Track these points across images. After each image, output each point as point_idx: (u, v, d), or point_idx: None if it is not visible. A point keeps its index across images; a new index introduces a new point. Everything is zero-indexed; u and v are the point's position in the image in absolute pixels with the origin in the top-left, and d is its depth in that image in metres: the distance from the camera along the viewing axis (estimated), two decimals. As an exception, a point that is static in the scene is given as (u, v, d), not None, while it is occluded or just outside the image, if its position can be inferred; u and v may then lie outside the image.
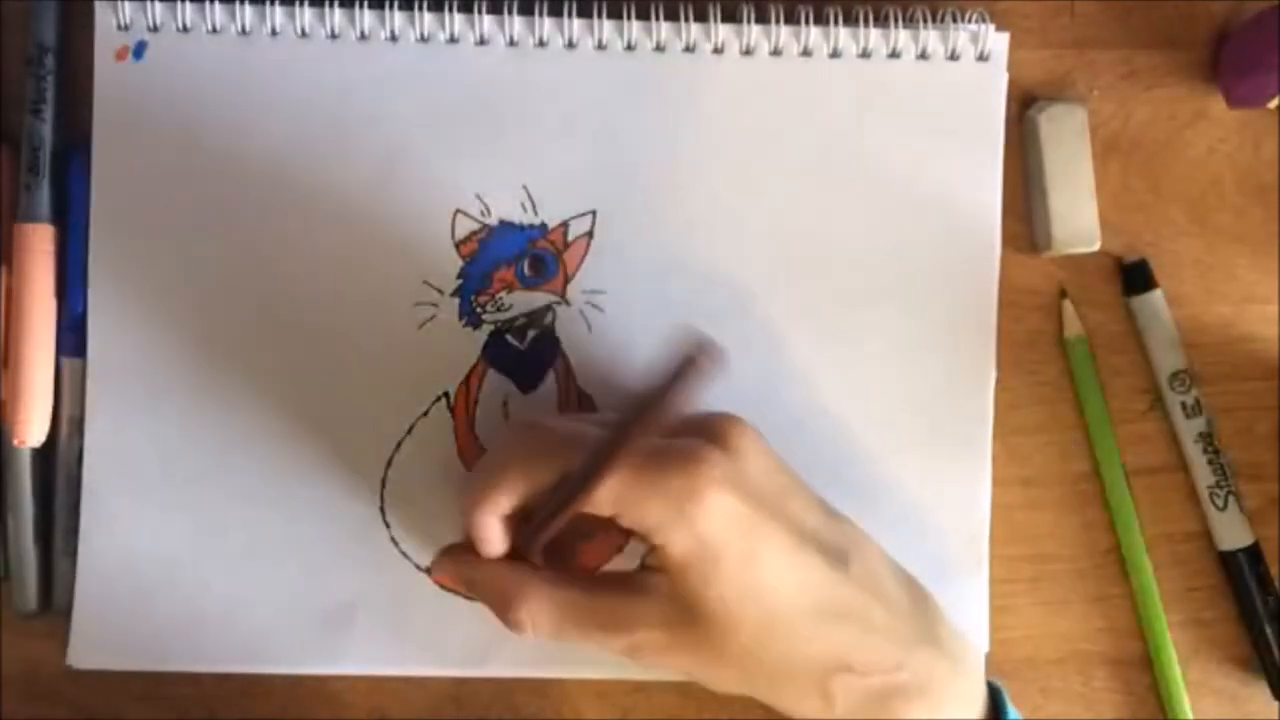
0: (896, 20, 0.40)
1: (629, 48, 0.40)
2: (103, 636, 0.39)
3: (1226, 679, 0.42)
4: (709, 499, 0.31)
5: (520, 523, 0.34)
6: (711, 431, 0.33)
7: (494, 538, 0.34)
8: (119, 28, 0.39)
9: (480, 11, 0.39)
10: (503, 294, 0.40)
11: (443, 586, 0.39)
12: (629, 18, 0.39)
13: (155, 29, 0.39)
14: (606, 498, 0.32)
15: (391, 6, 0.39)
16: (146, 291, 0.39)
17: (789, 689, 0.33)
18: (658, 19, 0.40)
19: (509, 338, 0.40)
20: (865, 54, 0.40)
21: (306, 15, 0.39)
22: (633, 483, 0.32)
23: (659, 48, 0.40)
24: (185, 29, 0.39)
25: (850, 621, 0.33)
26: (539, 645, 0.39)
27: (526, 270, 0.40)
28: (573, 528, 0.34)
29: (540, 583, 0.34)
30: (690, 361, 0.30)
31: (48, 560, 0.39)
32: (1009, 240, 0.40)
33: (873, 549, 0.35)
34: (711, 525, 0.32)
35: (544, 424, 0.34)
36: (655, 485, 0.32)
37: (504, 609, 0.34)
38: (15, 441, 0.38)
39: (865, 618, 0.33)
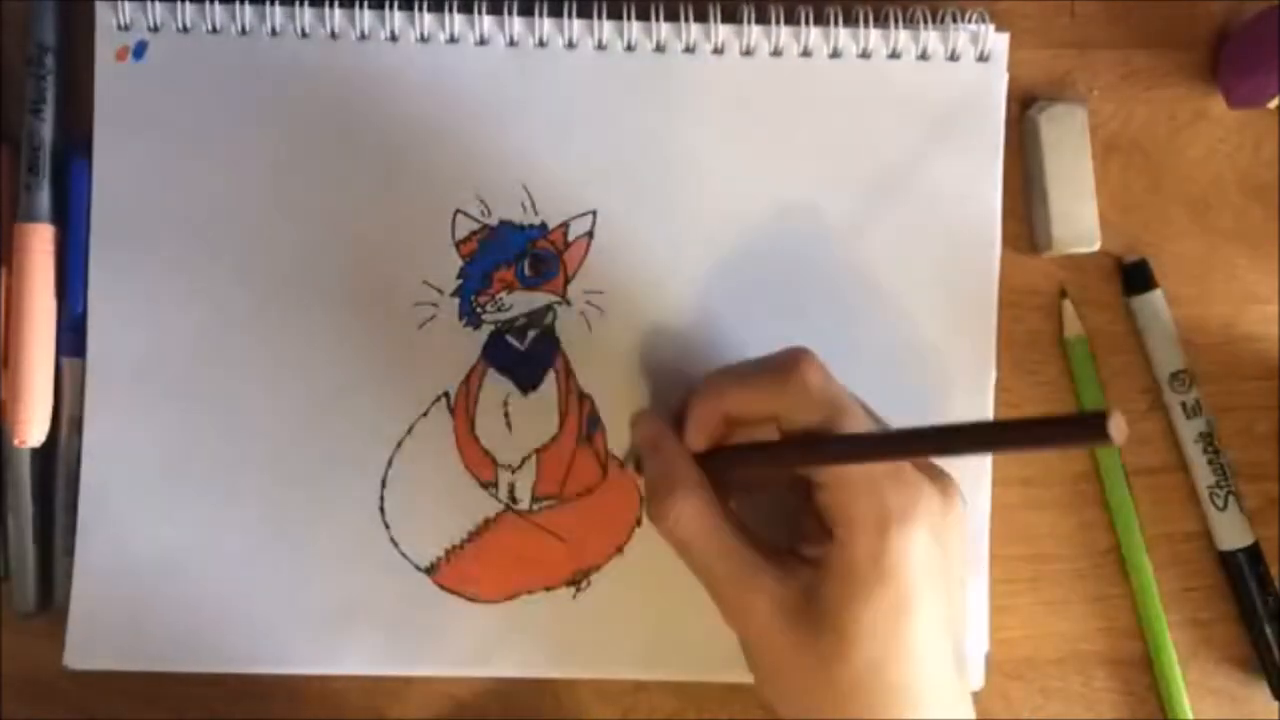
0: (896, 21, 0.40)
1: (629, 48, 0.40)
2: (100, 637, 0.39)
3: (1226, 679, 0.42)
4: (914, 529, 0.31)
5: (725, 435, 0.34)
6: (940, 481, 0.33)
7: (703, 426, 0.34)
8: (119, 28, 0.39)
9: (480, 12, 0.39)
10: (503, 294, 0.40)
11: (443, 588, 0.39)
12: (629, 18, 0.39)
13: (155, 29, 0.39)
14: (835, 474, 0.32)
15: (391, 6, 0.39)
16: (146, 291, 0.39)
17: None
18: (658, 19, 0.40)
19: (509, 338, 0.40)
20: (865, 54, 0.40)
21: (306, 15, 0.39)
22: (861, 470, 0.32)
23: (659, 48, 0.40)
24: (185, 29, 0.39)
25: (940, 715, 0.33)
26: (538, 645, 0.39)
27: (526, 270, 0.40)
28: (739, 480, 0.34)
29: (708, 496, 0.34)
30: (1095, 422, 0.24)
31: (47, 560, 0.39)
32: (1009, 240, 0.40)
33: (968, 679, 0.35)
34: (900, 552, 0.31)
35: (820, 369, 0.33)
36: (877, 486, 0.31)
37: (664, 492, 0.34)
38: (15, 441, 0.38)
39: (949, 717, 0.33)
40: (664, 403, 0.39)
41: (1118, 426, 0.23)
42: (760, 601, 0.33)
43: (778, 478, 0.35)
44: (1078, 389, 0.41)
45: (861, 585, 0.31)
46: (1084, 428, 0.24)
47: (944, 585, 0.32)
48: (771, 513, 0.36)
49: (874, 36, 0.40)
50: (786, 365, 0.33)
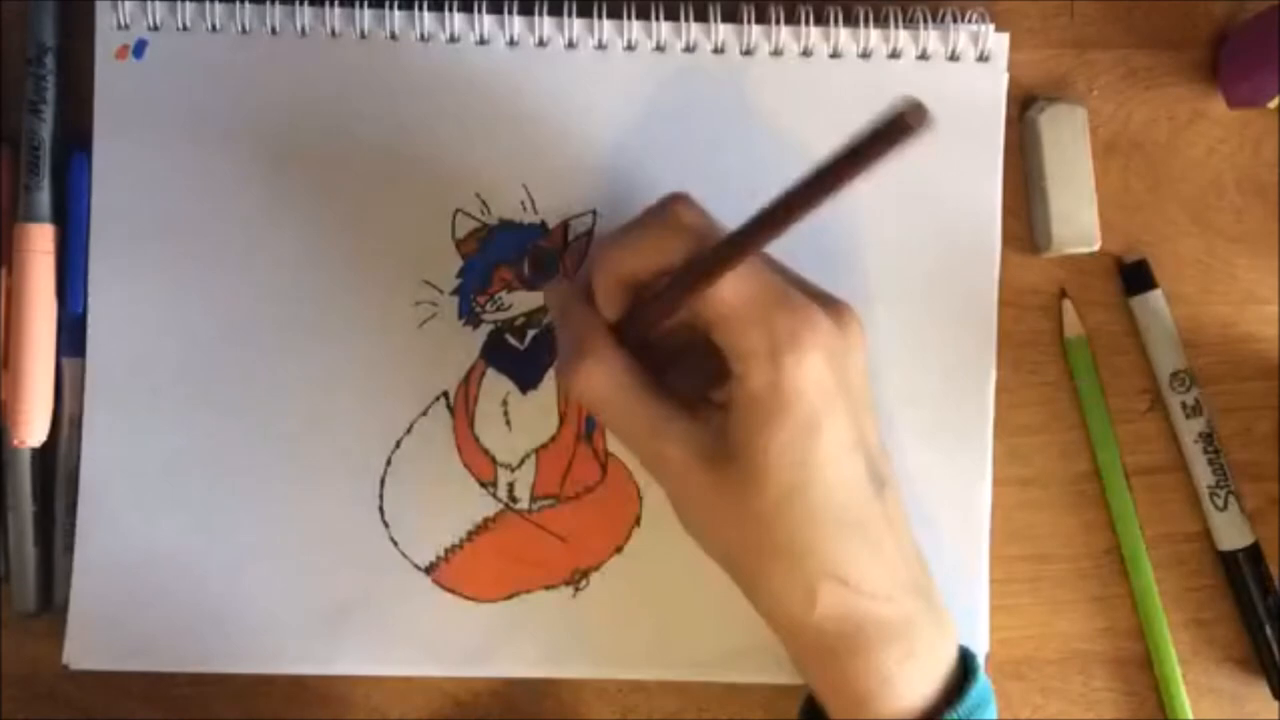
0: (897, 21, 0.40)
1: (629, 48, 0.40)
2: (100, 636, 0.39)
3: (1226, 679, 0.42)
4: (808, 353, 0.31)
5: (632, 301, 0.34)
6: (832, 305, 0.33)
7: (608, 296, 0.34)
8: (119, 27, 0.39)
9: (480, 11, 0.39)
10: (502, 293, 0.40)
11: (443, 588, 0.39)
12: (629, 18, 0.39)
13: (155, 28, 0.39)
14: (719, 299, 0.32)
15: (391, 6, 0.39)
16: (146, 291, 0.39)
17: (778, 572, 0.33)
18: (658, 19, 0.40)
19: (509, 337, 0.40)
20: (865, 54, 0.40)
21: (306, 15, 0.39)
22: (746, 300, 0.32)
23: (659, 48, 0.40)
24: (185, 28, 0.39)
25: (864, 539, 0.33)
26: (538, 645, 0.39)
27: (527, 270, 0.40)
28: (665, 345, 0.34)
29: (616, 355, 0.34)
30: (898, 122, 0.27)
31: (48, 560, 0.39)
32: (1009, 240, 0.40)
33: (902, 498, 0.35)
34: (797, 376, 0.31)
35: (691, 204, 0.34)
36: (765, 316, 0.32)
37: (573, 356, 0.34)
38: (15, 441, 0.38)
39: (877, 543, 0.33)
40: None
41: (915, 116, 0.26)
42: (674, 449, 0.33)
43: (688, 333, 0.35)
44: (1078, 389, 0.41)
45: (764, 415, 0.32)
46: (894, 130, 0.27)
47: (847, 407, 0.32)
48: (696, 369, 0.36)
49: (874, 36, 0.40)
50: (659, 210, 0.34)
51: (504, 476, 0.40)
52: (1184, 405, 0.41)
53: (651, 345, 0.35)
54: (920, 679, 0.33)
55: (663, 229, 0.33)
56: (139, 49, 0.39)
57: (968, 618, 0.40)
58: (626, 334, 0.34)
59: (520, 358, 0.40)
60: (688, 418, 0.33)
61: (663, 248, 0.33)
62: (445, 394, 0.39)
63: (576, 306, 0.35)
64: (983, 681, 0.35)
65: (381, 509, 0.39)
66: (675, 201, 0.33)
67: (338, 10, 0.39)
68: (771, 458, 0.32)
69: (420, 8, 0.39)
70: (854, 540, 0.33)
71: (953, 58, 0.40)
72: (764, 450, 0.32)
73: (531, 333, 0.40)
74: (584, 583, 0.40)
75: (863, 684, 0.33)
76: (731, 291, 0.32)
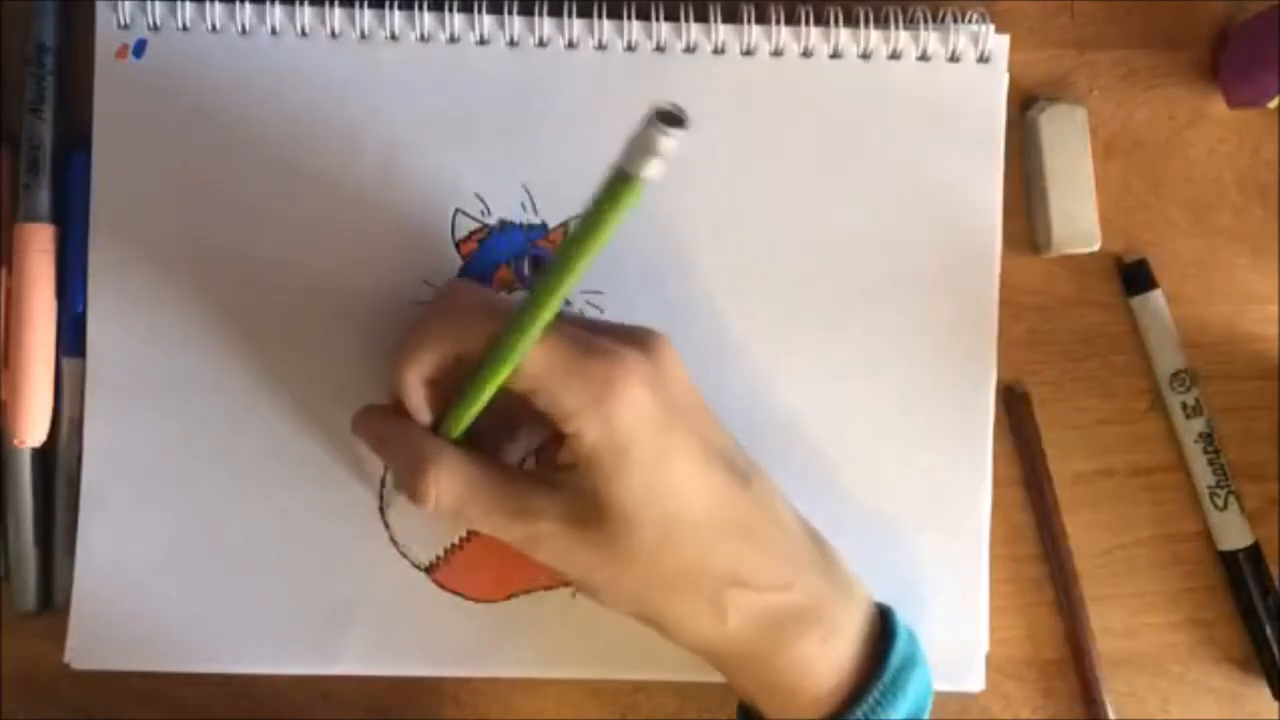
0: (897, 21, 0.40)
1: (629, 48, 0.40)
2: (101, 636, 0.39)
3: (1226, 679, 0.42)
4: (626, 392, 0.32)
5: (443, 397, 0.34)
6: (636, 338, 0.34)
7: (417, 401, 0.34)
8: (119, 26, 0.39)
9: (481, 11, 0.39)
10: (502, 294, 0.40)
11: (443, 588, 0.39)
12: (629, 18, 0.39)
13: (155, 28, 0.39)
14: (528, 371, 0.32)
15: (392, 6, 0.39)
16: (146, 291, 0.39)
17: (682, 599, 0.33)
18: (658, 20, 0.40)
19: (509, 338, 0.40)
20: (866, 55, 0.40)
21: (306, 15, 0.39)
22: (554, 363, 0.32)
23: (659, 48, 0.40)
24: (185, 28, 0.39)
25: (747, 537, 0.33)
26: (538, 645, 0.39)
27: (526, 270, 0.40)
28: (496, 419, 0.34)
29: (455, 455, 0.34)
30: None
31: (48, 560, 0.39)
32: (1009, 240, 0.40)
33: (770, 480, 0.35)
34: (625, 418, 0.32)
35: (470, 285, 0.34)
36: (575, 370, 0.32)
37: (413, 474, 0.34)
38: (15, 441, 0.39)
39: (761, 536, 0.34)
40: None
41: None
42: (543, 525, 0.33)
43: (506, 405, 0.35)
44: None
45: (610, 466, 0.32)
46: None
47: (684, 424, 0.33)
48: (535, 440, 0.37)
49: (874, 37, 0.40)
50: (437, 302, 0.34)
51: (504, 477, 0.39)
52: (1184, 405, 0.41)
53: (476, 426, 0.35)
54: (844, 653, 0.34)
55: (447, 316, 0.33)
56: (139, 49, 0.39)
57: (968, 618, 0.40)
58: (445, 426, 0.34)
59: (520, 358, 0.40)
60: (544, 490, 0.34)
61: (454, 335, 0.33)
62: (445, 394, 0.39)
63: (391, 426, 0.35)
64: (904, 637, 0.35)
65: (382, 510, 0.39)
66: (452, 287, 0.34)
67: (338, 10, 0.39)
68: (633, 502, 0.32)
69: (420, 8, 0.39)
70: (738, 543, 0.33)
71: (953, 58, 0.40)
72: (623, 499, 0.32)
73: (532, 333, 0.40)
74: (584, 583, 0.40)
75: (791, 675, 0.34)
76: (536, 359, 0.32)
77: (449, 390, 0.34)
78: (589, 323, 0.35)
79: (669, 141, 0.25)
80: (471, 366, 0.33)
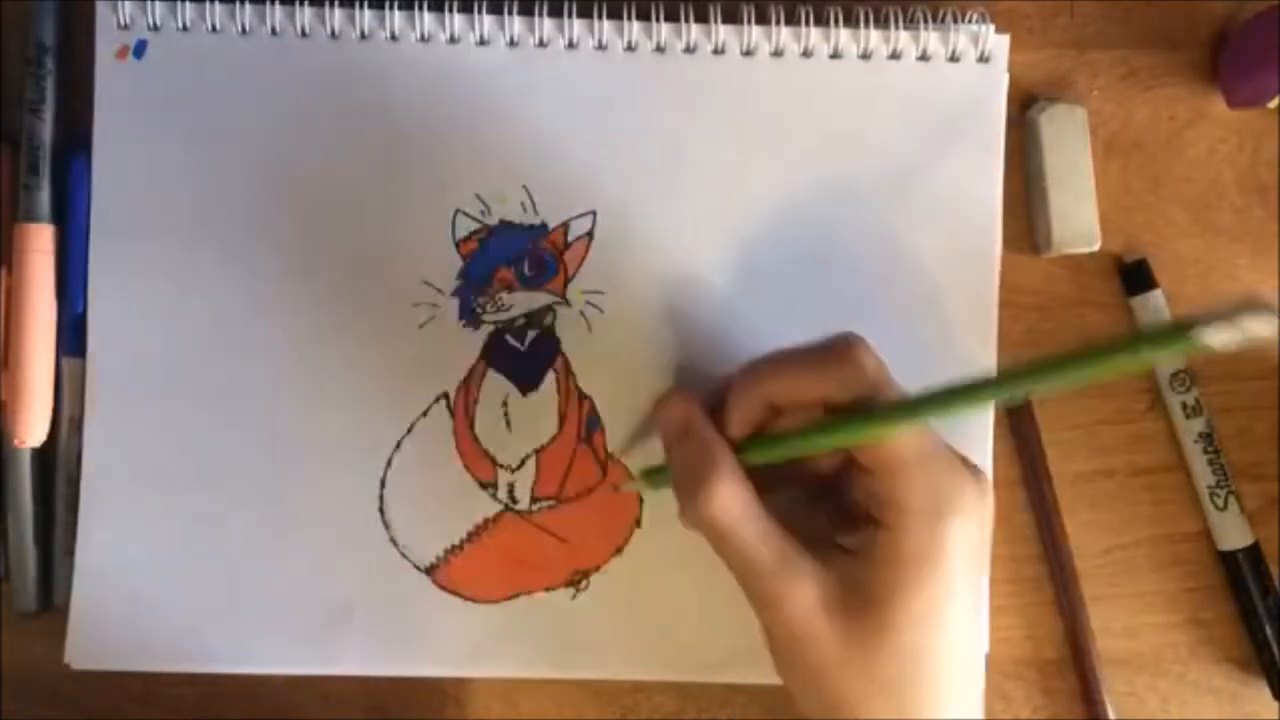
0: (897, 21, 0.40)
1: (629, 48, 0.40)
2: (101, 636, 0.39)
3: (1226, 679, 0.42)
4: (966, 518, 0.31)
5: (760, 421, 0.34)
6: (978, 473, 0.33)
7: (744, 416, 0.33)
8: (119, 27, 0.39)
9: (481, 12, 0.39)
10: (503, 294, 0.40)
11: (443, 588, 0.39)
12: (629, 18, 0.39)
13: (156, 28, 0.39)
14: (893, 449, 0.31)
15: (392, 6, 0.39)
16: (146, 291, 0.39)
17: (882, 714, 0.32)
18: (658, 19, 0.40)
19: (509, 338, 0.40)
20: (866, 55, 0.40)
21: (307, 15, 0.39)
22: (919, 457, 0.31)
23: (659, 49, 0.40)
24: (186, 28, 0.39)
25: (963, 701, 0.33)
26: (538, 645, 0.39)
27: (526, 270, 0.40)
28: (788, 464, 0.33)
29: (743, 479, 0.33)
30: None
31: (48, 560, 0.39)
32: (1009, 240, 0.40)
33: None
34: (952, 541, 0.31)
35: (870, 348, 0.33)
36: (931, 474, 0.31)
37: (701, 476, 0.33)
38: (15, 441, 0.39)
39: (975, 699, 0.33)
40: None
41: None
42: (801, 590, 0.32)
43: (812, 468, 0.34)
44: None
45: (912, 573, 0.31)
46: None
47: (979, 570, 0.33)
48: (803, 508, 0.35)
49: (874, 37, 0.40)
50: (840, 347, 0.33)
51: (504, 478, 0.40)
52: (1184, 405, 0.41)
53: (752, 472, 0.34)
54: None
55: (842, 367, 0.32)
56: (139, 49, 0.39)
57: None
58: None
59: (521, 359, 0.40)
60: (813, 559, 0.32)
61: (836, 386, 0.32)
62: (445, 395, 0.39)
63: (701, 421, 0.34)
64: None
65: (382, 510, 0.39)
66: (859, 343, 0.33)
67: (338, 10, 0.39)
68: (912, 618, 0.31)
69: (420, 8, 0.39)
70: (957, 703, 0.32)
71: (953, 58, 0.40)
72: (905, 609, 0.31)
73: (532, 334, 0.40)
74: (584, 584, 0.40)
75: None
76: (910, 441, 0.31)
77: (771, 419, 0.34)
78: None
79: (1258, 328, 0.23)
80: (830, 413, 0.32)
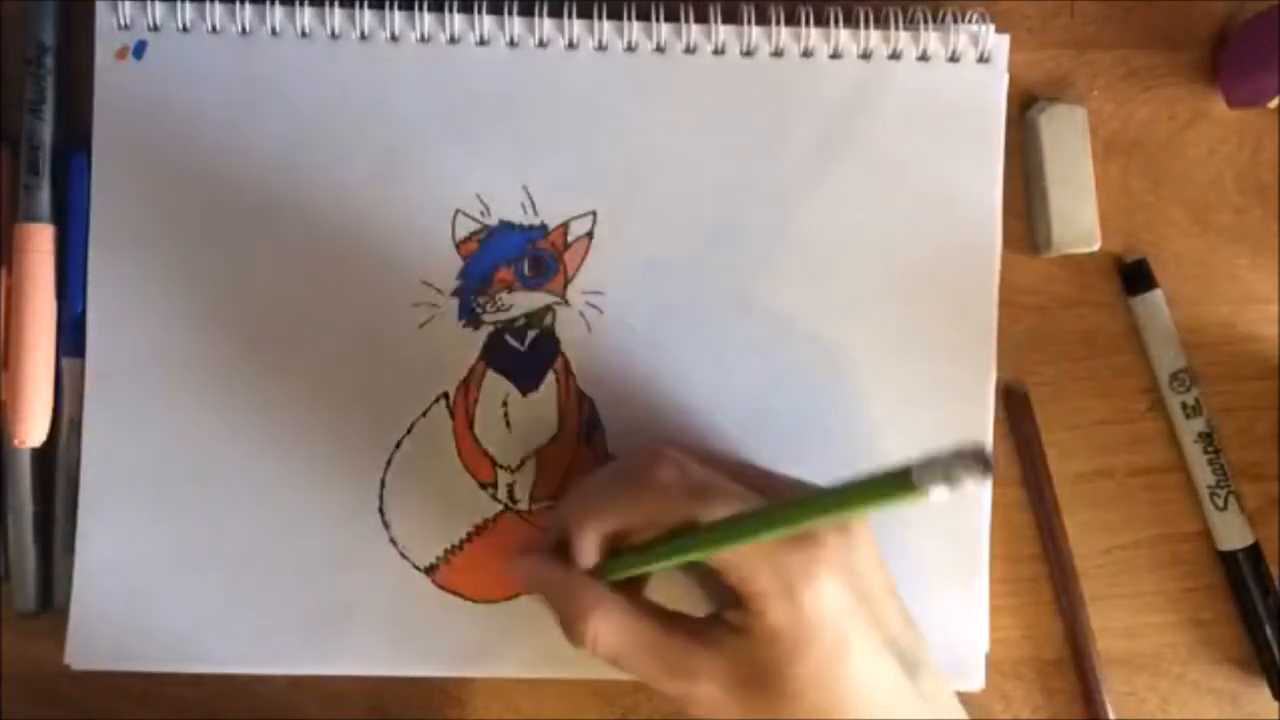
0: (897, 21, 0.40)
1: (629, 49, 0.40)
2: (101, 636, 0.39)
3: (1226, 679, 0.42)
4: (822, 583, 0.31)
5: (610, 544, 0.34)
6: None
7: (588, 551, 0.34)
8: (119, 27, 0.39)
9: (481, 12, 0.39)
10: (503, 294, 0.40)
11: (443, 588, 0.39)
12: (629, 18, 0.39)
13: (155, 28, 0.39)
14: (725, 554, 0.32)
15: (392, 6, 0.39)
16: (146, 291, 0.39)
17: None
18: (658, 20, 0.40)
19: (509, 338, 0.40)
20: (866, 55, 0.40)
21: (307, 15, 0.39)
22: (743, 550, 0.32)
23: (659, 49, 0.40)
24: (185, 29, 0.39)
25: None
26: (538, 645, 0.39)
27: (526, 270, 0.40)
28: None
29: (616, 605, 0.34)
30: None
31: (48, 560, 0.39)
32: (1009, 240, 0.40)
33: (935, 663, 0.35)
34: (814, 609, 0.31)
35: (673, 458, 0.34)
36: (772, 555, 0.31)
37: (574, 619, 0.34)
38: (15, 441, 0.38)
39: None
40: (665, 410, 0.39)
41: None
42: (700, 686, 0.33)
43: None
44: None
45: (789, 648, 0.32)
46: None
47: (869, 615, 0.32)
48: (699, 581, 0.36)
49: (874, 37, 0.40)
50: (640, 471, 0.34)
51: (504, 478, 0.40)
52: (1184, 405, 0.41)
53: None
54: None
55: (646, 490, 0.33)
56: (139, 49, 0.39)
57: (968, 618, 0.40)
58: (605, 570, 0.34)
59: (520, 359, 0.40)
60: (706, 649, 0.33)
61: (648, 509, 0.33)
62: (445, 395, 0.39)
63: (552, 571, 0.35)
64: None
65: (381, 510, 0.39)
66: (658, 461, 0.33)
67: (338, 11, 0.39)
68: (804, 684, 0.32)
69: (420, 8, 0.39)
70: None
71: (953, 59, 0.40)
72: (794, 679, 0.32)
73: (532, 334, 0.40)
74: (584, 583, 0.40)
75: None
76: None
77: (618, 539, 0.34)
78: (780, 480, 0.35)
79: (970, 485, 0.24)
80: (662, 539, 0.33)
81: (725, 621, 0.33)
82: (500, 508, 0.40)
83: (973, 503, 0.40)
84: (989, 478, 0.23)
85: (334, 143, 0.39)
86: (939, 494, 0.24)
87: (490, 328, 0.40)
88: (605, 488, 0.35)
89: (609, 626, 0.33)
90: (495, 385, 0.40)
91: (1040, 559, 0.41)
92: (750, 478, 0.34)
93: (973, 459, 0.23)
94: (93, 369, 0.39)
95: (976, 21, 0.40)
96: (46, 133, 0.39)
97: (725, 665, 0.32)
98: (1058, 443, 0.41)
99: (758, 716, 0.32)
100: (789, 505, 0.30)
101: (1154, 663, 0.41)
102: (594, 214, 0.40)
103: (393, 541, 0.39)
